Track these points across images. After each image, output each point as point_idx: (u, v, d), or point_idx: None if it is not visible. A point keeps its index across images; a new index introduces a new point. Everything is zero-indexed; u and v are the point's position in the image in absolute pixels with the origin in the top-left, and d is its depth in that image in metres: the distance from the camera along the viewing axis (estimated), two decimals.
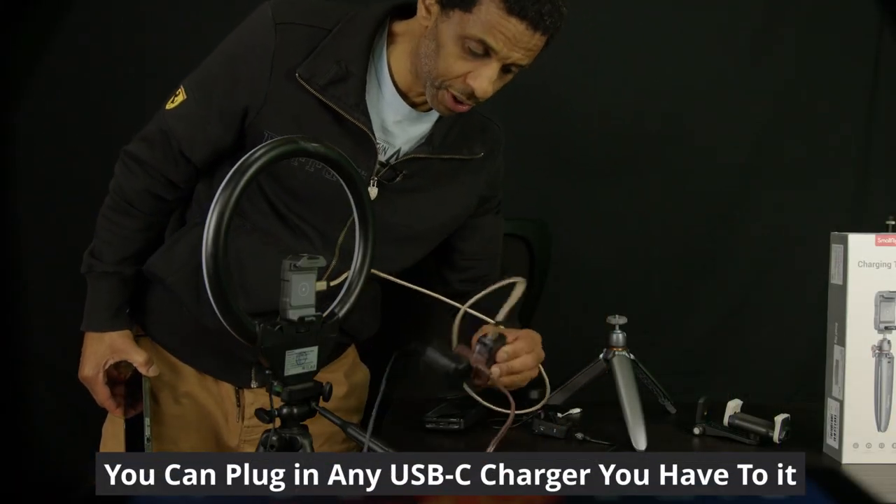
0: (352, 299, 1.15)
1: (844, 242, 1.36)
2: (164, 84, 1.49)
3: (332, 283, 1.33)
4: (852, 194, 2.59)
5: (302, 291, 1.07)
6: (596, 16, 2.50)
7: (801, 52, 2.54)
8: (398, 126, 1.41)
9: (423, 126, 1.43)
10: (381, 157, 1.40)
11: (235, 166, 1.01)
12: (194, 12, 2.31)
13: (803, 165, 2.59)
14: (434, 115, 1.43)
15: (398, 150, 1.42)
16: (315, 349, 1.10)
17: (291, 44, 1.35)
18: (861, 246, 1.35)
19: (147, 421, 1.42)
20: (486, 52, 1.28)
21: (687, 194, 2.59)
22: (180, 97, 1.41)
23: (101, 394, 1.46)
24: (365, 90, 1.36)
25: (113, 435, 1.52)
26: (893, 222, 1.36)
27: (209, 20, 2.36)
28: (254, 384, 1.11)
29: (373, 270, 1.23)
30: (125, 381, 1.49)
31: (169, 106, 1.43)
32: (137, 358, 1.44)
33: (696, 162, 2.58)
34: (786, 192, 2.60)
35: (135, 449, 1.45)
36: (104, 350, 1.45)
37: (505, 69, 1.32)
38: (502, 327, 1.39)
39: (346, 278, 1.18)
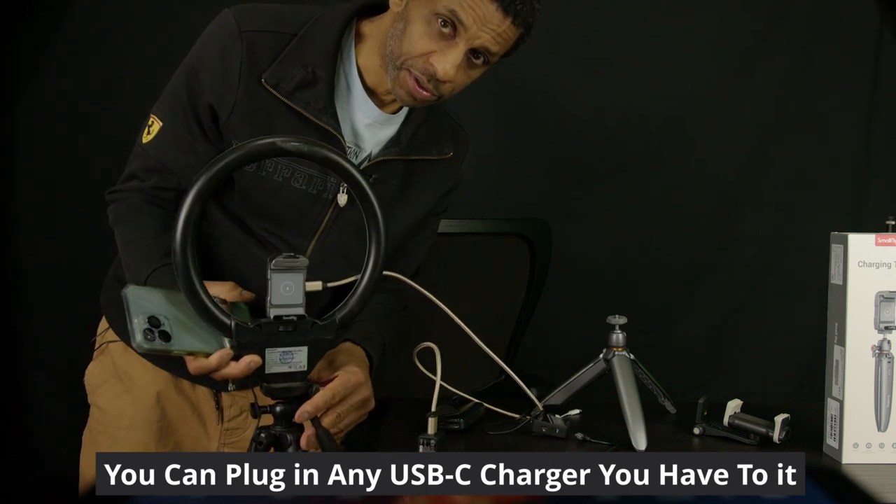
0: (352, 301, 1.13)
1: (844, 242, 1.36)
2: (163, 85, 1.48)
3: (331, 285, 1.32)
4: (852, 194, 2.60)
5: (285, 290, 1.07)
6: (596, 16, 2.50)
7: (801, 52, 2.55)
8: (368, 129, 1.38)
9: (392, 129, 1.40)
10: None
11: (207, 165, 1.03)
12: (196, 13, 2.30)
13: (803, 166, 2.60)
14: (402, 117, 1.40)
15: (369, 154, 1.39)
16: (304, 349, 1.09)
17: (258, 51, 1.31)
18: (861, 246, 1.35)
19: None
20: (454, 32, 1.25)
21: (687, 194, 2.60)
22: (155, 126, 1.35)
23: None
24: (334, 94, 1.33)
25: (91, 440, 1.49)
26: (893, 222, 1.36)
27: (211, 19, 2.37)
28: (231, 387, 1.10)
29: (390, 273, 1.21)
30: None
31: (146, 139, 1.35)
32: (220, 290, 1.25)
33: (697, 162, 2.59)
34: (786, 192, 2.61)
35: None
36: None
37: (473, 54, 1.28)
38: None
39: (349, 280, 1.17)
